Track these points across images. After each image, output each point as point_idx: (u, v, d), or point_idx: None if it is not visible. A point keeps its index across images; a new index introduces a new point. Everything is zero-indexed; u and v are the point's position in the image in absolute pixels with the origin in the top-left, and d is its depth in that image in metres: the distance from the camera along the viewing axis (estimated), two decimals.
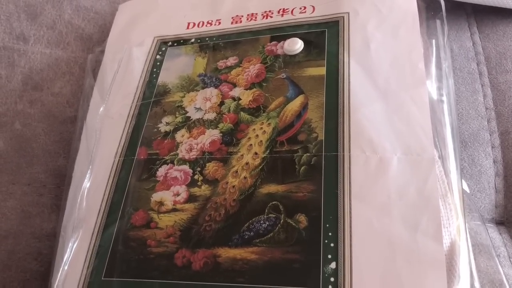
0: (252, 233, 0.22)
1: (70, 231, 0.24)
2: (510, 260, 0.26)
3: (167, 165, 0.26)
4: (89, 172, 0.26)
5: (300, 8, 0.30)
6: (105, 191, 0.25)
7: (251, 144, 0.25)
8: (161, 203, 0.25)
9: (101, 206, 0.25)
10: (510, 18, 0.35)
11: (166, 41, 0.31)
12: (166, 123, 0.27)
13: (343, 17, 0.28)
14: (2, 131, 0.31)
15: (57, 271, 0.23)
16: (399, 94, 0.25)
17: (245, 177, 0.25)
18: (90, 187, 0.26)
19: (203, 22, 0.31)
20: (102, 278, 0.23)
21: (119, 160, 0.26)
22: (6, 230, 0.28)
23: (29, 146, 0.30)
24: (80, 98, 0.31)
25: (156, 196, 0.25)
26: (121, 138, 0.27)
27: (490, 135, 0.32)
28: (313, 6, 0.30)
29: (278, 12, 0.30)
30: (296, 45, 0.28)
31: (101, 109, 0.28)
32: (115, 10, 0.34)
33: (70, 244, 0.24)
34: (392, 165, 0.23)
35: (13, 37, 0.34)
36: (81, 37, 0.34)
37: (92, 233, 0.24)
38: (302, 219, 0.22)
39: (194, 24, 0.31)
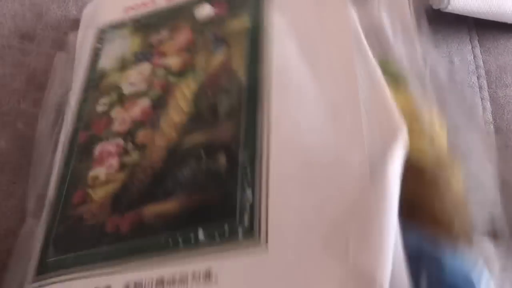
0: (174, 184, 0.23)
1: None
2: None
3: (102, 141, 0.26)
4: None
5: None
6: (56, 181, 0.26)
7: (177, 103, 0.26)
8: (96, 178, 0.25)
9: (52, 196, 0.26)
10: (511, 33, 0.36)
11: (104, 29, 0.32)
12: (104, 104, 0.28)
13: None
14: (5, 131, 0.31)
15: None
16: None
17: (171, 135, 0.25)
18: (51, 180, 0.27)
19: (138, 4, 0.32)
20: (47, 260, 0.24)
21: (64, 149, 0.27)
22: (6, 229, 0.28)
23: (31, 146, 0.30)
24: None
25: (92, 173, 0.25)
26: (68, 129, 0.28)
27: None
28: None
29: None
30: (204, 10, 0.30)
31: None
32: None
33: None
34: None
35: (18, 36, 0.35)
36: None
37: (45, 222, 0.25)
38: (221, 159, 0.23)
39: (130, 8, 0.32)
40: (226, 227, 0.21)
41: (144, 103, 0.27)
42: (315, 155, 0.21)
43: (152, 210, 0.23)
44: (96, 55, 0.31)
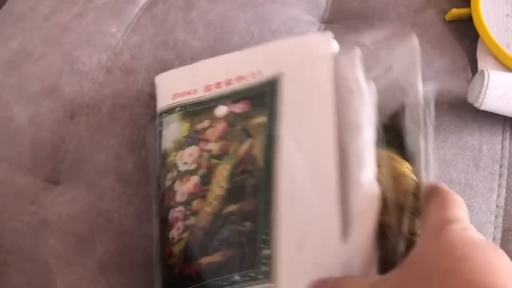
0: (218, 242, 0.34)
1: None
2: None
3: (171, 210, 0.37)
4: None
5: (252, 73, 0.40)
6: (155, 239, 0.39)
7: (218, 180, 0.37)
8: (173, 238, 0.36)
9: (155, 251, 0.39)
10: None
11: (161, 114, 0.42)
12: (169, 179, 0.39)
13: (280, 76, 0.38)
14: (132, 155, 0.44)
15: None
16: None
17: (215, 204, 0.36)
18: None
19: (183, 92, 0.42)
20: None
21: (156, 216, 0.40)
22: (125, 229, 0.41)
23: (147, 170, 0.43)
24: None
25: (170, 234, 0.37)
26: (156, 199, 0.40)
27: (494, 228, 0.39)
28: (261, 72, 0.40)
29: (237, 79, 0.41)
30: (221, 110, 0.39)
31: None
32: None
33: None
34: None
35: (149, 84, 0.47)
36: None
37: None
38: (248, 224, 0.34)
39: (177, 95, 0.42)
40: (251, 273, 0.32)
41: (195, 179, 0.37)
42: (306, 224, 0.32)
43: (206, 260, 0.34)
44: (160, 137, 0.41)
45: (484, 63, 0.44)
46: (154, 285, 0.37)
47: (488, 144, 0.42)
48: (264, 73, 0.39)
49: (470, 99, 0.42)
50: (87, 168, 0.44)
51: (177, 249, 0.36)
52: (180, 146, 0.39)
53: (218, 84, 0.41)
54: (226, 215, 0.35)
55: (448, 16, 0.50)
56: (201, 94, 0.41)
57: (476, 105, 0.41)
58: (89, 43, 0.50)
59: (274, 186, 0.34)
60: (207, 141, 0.39)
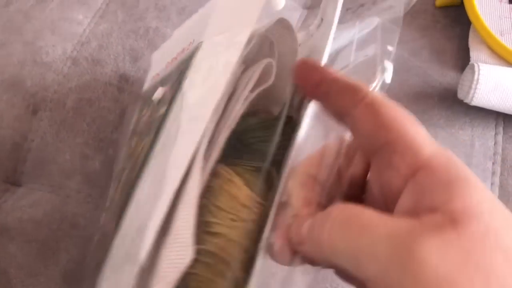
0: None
1: None
2: None
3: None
4: None
5: (190, 43, 0.30)
6: None
7: (121, 184, 0.30)
8: None
9: None
10: None
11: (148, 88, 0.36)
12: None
13: (198, 47, 0.28)
14: (100, 154, 0.40)
15: None
16: None
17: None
18: None
19: (156, 74, 0.35)
20: None
21: None
22: (91, 234, 0.38)
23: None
24: None
25: None
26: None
27: None
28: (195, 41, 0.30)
29: (181, 52, 0.31)
30: (156, 94, 0.30)
31: None
32: None
33: None
34: None
35: (118, 76, 0.44)
36: None
37: None
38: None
39: (153, 77, 0.35)
40: None
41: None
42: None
43: None
44: (141, 110, 0.34)
45: (476, 52, 0.41)
46: None
47: (481, 140, 0.40)
48: (194, 43, 0.29)
49: (460, 95, 0.39)
50: (51, 168, 0.41)
51: None
52: (129, 140, 0.34)
53: (172, 60, 0.32)
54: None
55: (438, 2, 0.47)
56: (162, 73, 0.33)
57: (467, 101, 0.38)
58: (53, 31, 0.46)
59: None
60: (134, 134, 0.32)
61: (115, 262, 0.24)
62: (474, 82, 0.37)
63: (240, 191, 0.23)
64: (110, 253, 0.25)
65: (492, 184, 0.38)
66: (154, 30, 0.46)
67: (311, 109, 0.24)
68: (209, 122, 0.22)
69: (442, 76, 0.43)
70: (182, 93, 0.25)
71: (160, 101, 0.29)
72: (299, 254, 0.21)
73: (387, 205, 0.20)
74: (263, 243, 0.22)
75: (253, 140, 0.25)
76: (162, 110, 0.27)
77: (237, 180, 0.23)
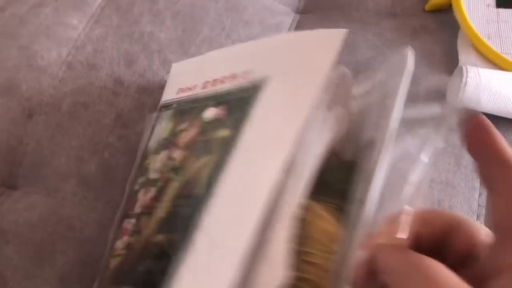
0: (136, 276, 0.29)
1: None
2: None
3: (127, 218, 0.33)
4: None
5: (244, 72, 0.31)
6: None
7: (166, 200, 0.30)
8: (116, 249, 0.32)
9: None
10: None
11: (160, 108, 0.37)
12: (138, 183, 0.34)
13: (266, 80, 0.30)
14: (95, 157, 0.41)
15: None
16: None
17: (152, 228, 0.29)
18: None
19: (187, 88, 0.35)
20: None
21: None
22: (87, 236, 0.38)
23: (111, 173, 0.40)
24: None
25: (115, 245, 0.32)
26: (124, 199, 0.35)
27: None
28: (253, 71, 0.31)
29: (231, 77, 0.32)
30: (209, 113, 0.31)
31: None
32: None
33: None
34: None
35: (113, 79, 0.44)
36: (163, 87, 0.43)
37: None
38: (161, 263, 0.27)
39: (181, 90, 0.36)
40: None
41: (153, 192, 0.31)
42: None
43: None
44: (151, 133, 0.35)
45: (465, 55, 0.42)
46: None
47: None
48: (256, 74, 0.31)
49: (449, 98, 0.40)
50: (47, 171, 0.41)
51: (113, 263, 0.31)
52: (157, 149, 0.34)
53: (214, 82, 0.34)
54: (153, 246, 0.28)
55: (427, 6, 0.48)
56: (197, 91, 0.35)
57: (455, 103, 0.39)
58: (48, 36, 0.47)
59: (199, 223, 0.26)
60: (176, 147, 0.32)
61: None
62: (463, 85, 0.38)
63: (331, 226, 0.25)
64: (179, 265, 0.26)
65: (481, 184, 0.39)
66: (148, 34, 0.47)
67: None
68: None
69: (431, 78, 0.43)
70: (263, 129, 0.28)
71: (214, 121, 0.31)
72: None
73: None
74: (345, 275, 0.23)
75: (333, 180, 0.27)
76: (224, 132, 0.29)
77: (326, 215, 0.25)
